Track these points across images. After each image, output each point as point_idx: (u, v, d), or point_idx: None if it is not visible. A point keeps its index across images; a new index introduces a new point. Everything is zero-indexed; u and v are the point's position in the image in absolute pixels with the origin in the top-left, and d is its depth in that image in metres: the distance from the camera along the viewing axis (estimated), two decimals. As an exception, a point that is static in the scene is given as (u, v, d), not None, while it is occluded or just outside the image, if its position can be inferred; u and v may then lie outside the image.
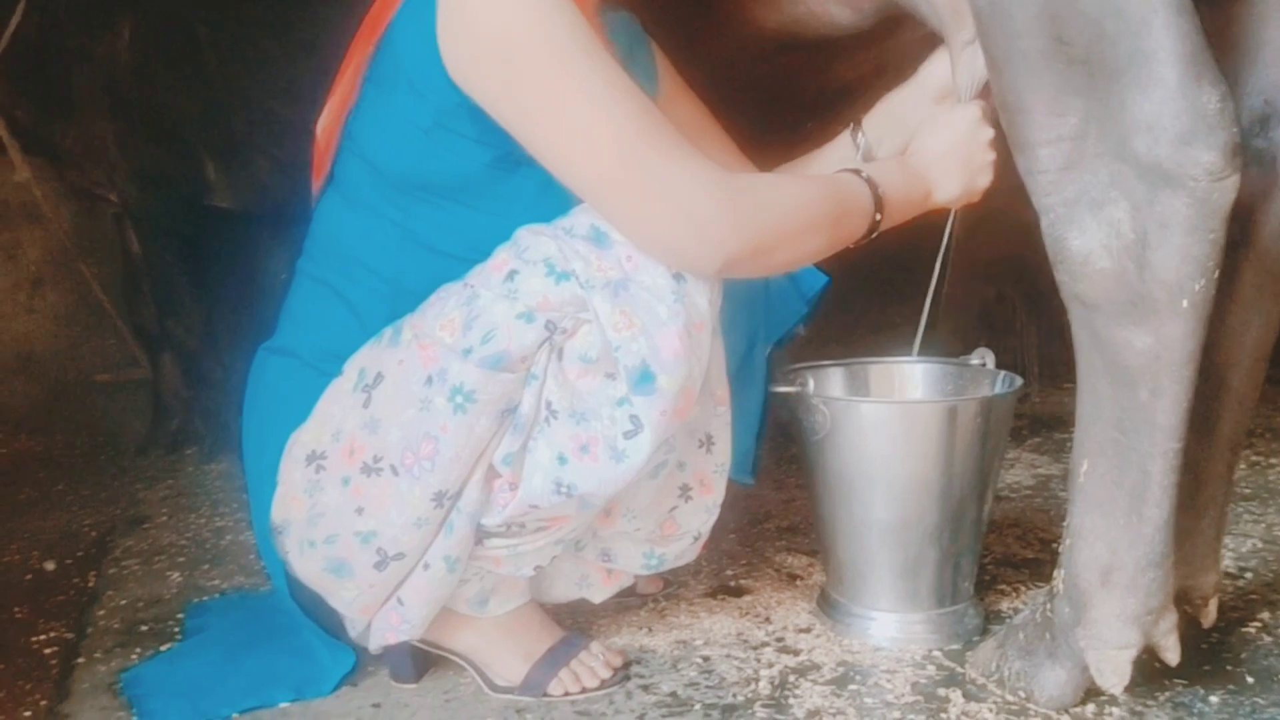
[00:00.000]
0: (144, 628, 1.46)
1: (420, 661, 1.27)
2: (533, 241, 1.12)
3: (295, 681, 1.24)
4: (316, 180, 1.29)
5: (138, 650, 1.39)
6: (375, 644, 1.23)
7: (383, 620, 1.21)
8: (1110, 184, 0.97)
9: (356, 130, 1.21)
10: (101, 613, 1.52)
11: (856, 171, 1.17)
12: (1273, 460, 2.00)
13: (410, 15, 1.13)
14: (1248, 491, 1.83)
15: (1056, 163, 1.00)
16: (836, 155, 1.33)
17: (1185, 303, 0.96)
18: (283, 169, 2.16)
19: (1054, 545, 1.62)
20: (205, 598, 1.56)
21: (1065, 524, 1.10)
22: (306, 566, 1.20)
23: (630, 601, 1.45)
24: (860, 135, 1.33)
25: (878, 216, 1.16)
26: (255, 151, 2.22)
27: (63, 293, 2.75)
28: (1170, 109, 0.91)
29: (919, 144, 1.24)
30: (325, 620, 1.27)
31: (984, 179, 1.24)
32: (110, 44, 2.18)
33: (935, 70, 1.30)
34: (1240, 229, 1.02)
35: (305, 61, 2.01)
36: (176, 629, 1.45)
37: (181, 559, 1.74)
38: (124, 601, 1.56)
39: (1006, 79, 1.01)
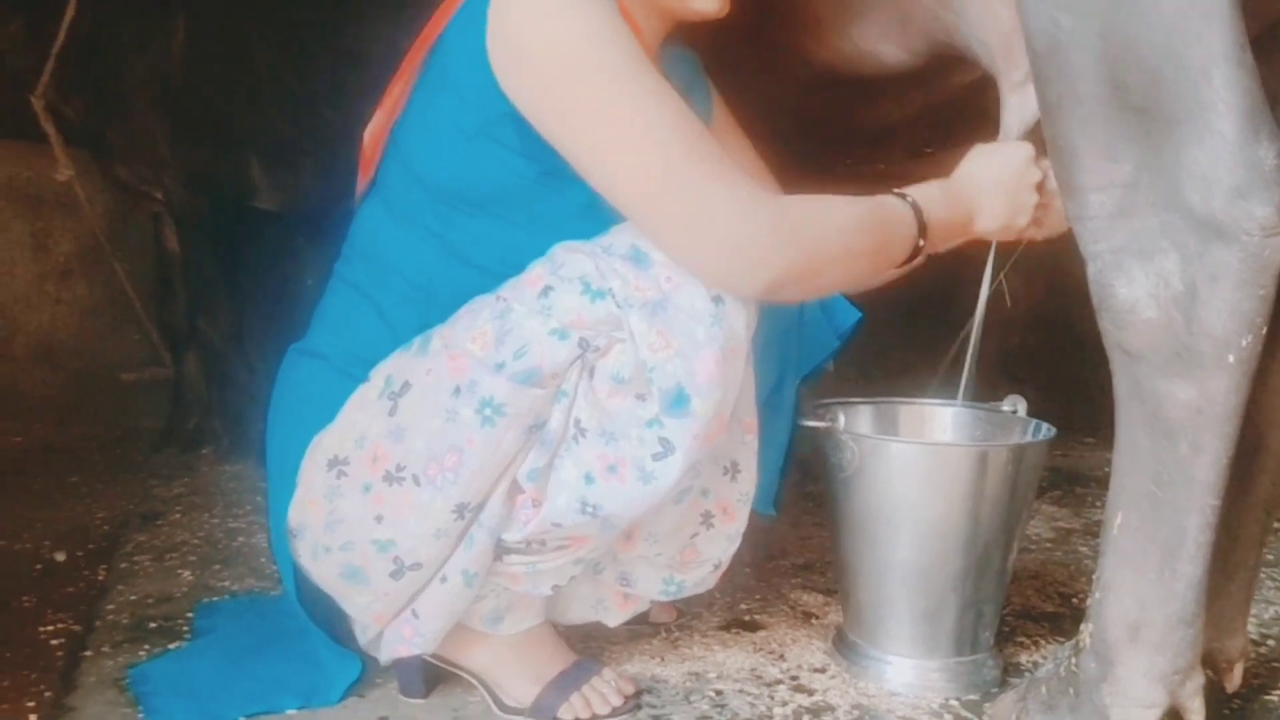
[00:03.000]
0: (153, 625, 1.45)
1: (429, 676, 1.25)
2: (569, 258, 1.11)
3: (302, 689, 1.23)
4: (361, 185, 1.29)
5: (146, 647, 1.38)
6: (386, 655, 1.22)
7: (395, 631, 1.20)
8: (1160, 234, 0.96)
9: (402, 137, 1.21)
10: (111, 607, 1.51)
11: (902, 195, 1.16)
12: (1298, 527, 1.98)
13: (463, 22, 1.14)
14: (1270, 558, 1.80)
15: (1106, 209, 0.99)
16: None
17: (1231, 357, 0.94)
18: (326, 174, 2.17)
19: (1073, 600, 1.61)
20: (215, 598, 1.55)
21: (1095, 577, 1.08)
22: (321, 570, 1.19)
23: (643, 630, 1.43)
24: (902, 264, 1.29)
25: (921, 242, 1.15)
26: (300, 155, 2.23)
27: (91, 286, 2.77)
28: (1226, 162, 0.90)
29: (967, 170, 1.23)
30: (335, 627, 1.26)
31: (1024, 219, 1.22)
32: (164, 40, 2.20)
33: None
34: (1287, 288, 1.01)
35: (352, 68, 2.02)
36: (185, 628, 1.44)
37: (193, 558, 1.73)
38: (134, 597, 1.55)
39: (1061, 122, 1.00)
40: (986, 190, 1.21)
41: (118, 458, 2.40)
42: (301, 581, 1.22)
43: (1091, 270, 1.01)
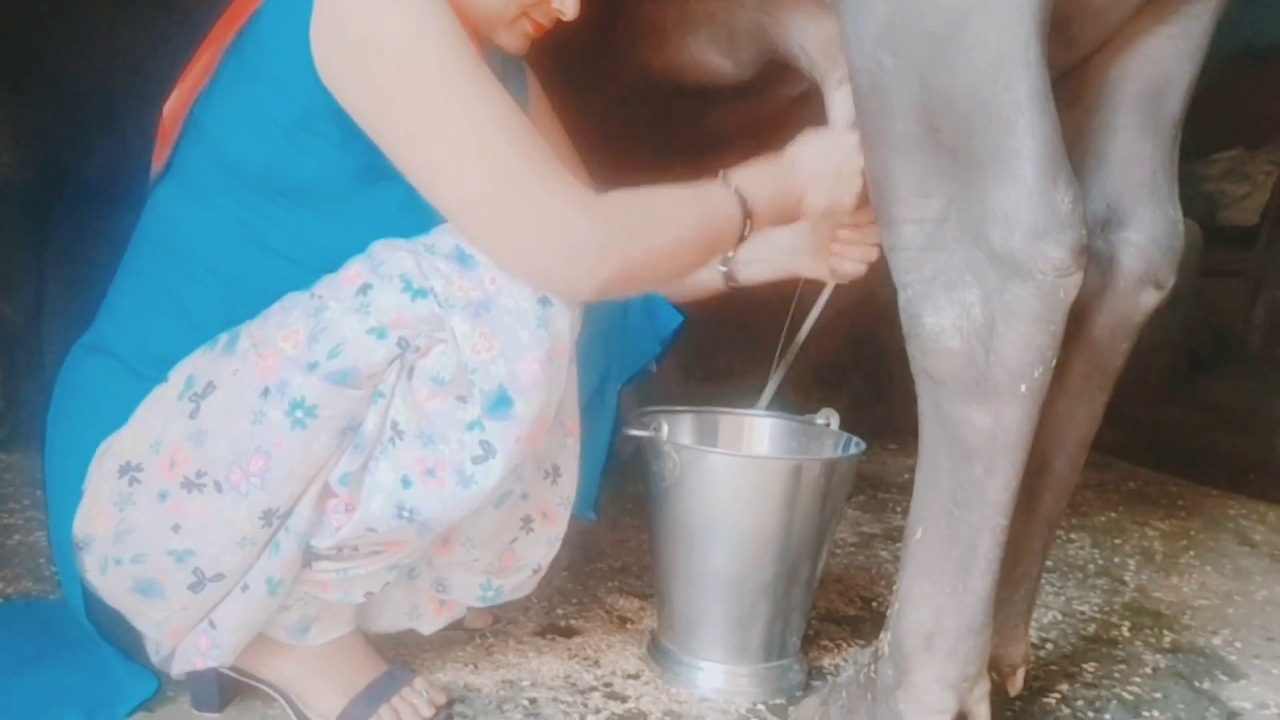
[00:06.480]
0: (-89, 634, 1.32)
1: (226, 689, 1.19)
2: (389, 256, 1.08)
3: (86, 703, 1.15)
4: (156, 166, 1.20)
5: (-97, 659, 1.25)
6: (179, 668, 1.15)
7: (190, 643, 1.13)
8: (966, 268, 1.01)
9: (206, 120, 1.14)
10: None
11: (726, 182, 1.17)
12: (1073, 535, 2.14)
13: (281, 6, 1.08)
14: (1049, 564, 1.94)
15: (918, 242, 1.04)
16: None
17: (1024, 388, 1.00)
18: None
19: (874, 603, 1.68)
20: (-13, 604, 1.43)
21: (895, 588, 1.14)
22: (110, 585, 1.11)
23: (457, 636, 1.41)
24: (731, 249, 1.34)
25: (747, 229, 1.17)
26: (131, 120, 2.06)
27: None
28: (1026, 205, 0.96)
29: (797, 154, 1.25)
30: (124, 639, 1.18)
31: (848, 201, 1.26)
32: None
33: (809, 228, 1.35)
34: (1074, 324, 1.08)
35: (179, 23, 1.89)
36: (-49, 637, 1.32)
37: (-38, 558, 1.59)
38: (-110, 602, 1.42)
39: (878, 156, 1.05)
40: (815, 171, 1.24)
41: (-125, 443, 2.18)
42: (88, 596, 1.14)
43: (902, 299, 1.06)
